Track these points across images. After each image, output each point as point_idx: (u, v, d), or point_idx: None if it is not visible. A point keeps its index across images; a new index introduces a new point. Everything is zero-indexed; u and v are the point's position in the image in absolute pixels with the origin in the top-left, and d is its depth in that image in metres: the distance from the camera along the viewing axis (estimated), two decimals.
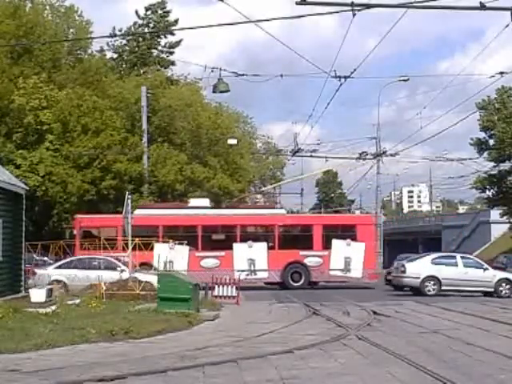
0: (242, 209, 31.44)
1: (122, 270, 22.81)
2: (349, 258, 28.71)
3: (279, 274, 28.55)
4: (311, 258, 28.75)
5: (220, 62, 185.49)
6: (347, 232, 29.29)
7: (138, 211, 28.04)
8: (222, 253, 27.77)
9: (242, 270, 26.92)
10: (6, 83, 32.84)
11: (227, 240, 28.63)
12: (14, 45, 32.57)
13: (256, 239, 28.77)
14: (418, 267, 25.45)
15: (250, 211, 30.81)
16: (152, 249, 25.47)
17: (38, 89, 32.99)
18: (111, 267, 22.76)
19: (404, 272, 25.63)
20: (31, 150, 32.72)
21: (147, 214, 28.10)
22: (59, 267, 23.42)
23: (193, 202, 30.26)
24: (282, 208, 32.48)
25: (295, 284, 28.65)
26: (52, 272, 23.05)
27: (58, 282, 21.76)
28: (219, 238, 29.32)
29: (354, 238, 28.93)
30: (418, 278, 25.05)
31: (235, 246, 27.97)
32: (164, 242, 26.95)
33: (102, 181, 33.47)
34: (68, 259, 24.34)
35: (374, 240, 31.04)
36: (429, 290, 24.86)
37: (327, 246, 28.80)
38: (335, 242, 28.61)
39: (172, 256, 25.20)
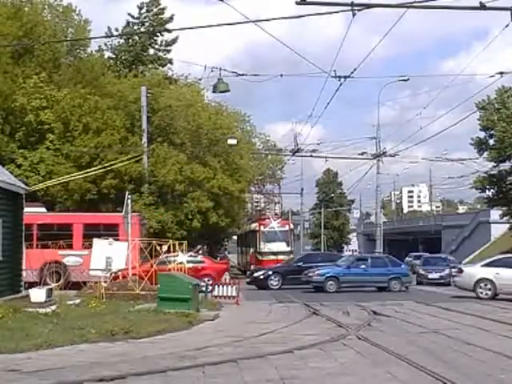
0: None
1: None
2: (110, 257, 27.74)
3: (36, 274, 27.14)
4: (70, 258, 28.02)
5: (225, 63, 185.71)
6: (110, 231, 28.18)
7: None
8: None
9: None
10: (9, 84, 32.88)
11: None
12: (15, 45, 32.53)
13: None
14: None
15: None
16: None
17: (39, 89, 33.03)
18: None
19: None
20: (31, 150, 32.76)
21: None
22: (487, 265, 23.55)
23: None
24: (42, 206, 31.01)
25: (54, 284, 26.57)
26: (479, 270, 23.23)
27: (485, 280, 22.19)
28: None
29: (117, 238, 27.41)
30: None
31: None
32: None
33: (102, 180, 33.46)
34: (496, 257, 24.49)
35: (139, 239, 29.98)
36: None
37: (88, 245, 27.11)
38: (96, 242, 27.04)
39: None
